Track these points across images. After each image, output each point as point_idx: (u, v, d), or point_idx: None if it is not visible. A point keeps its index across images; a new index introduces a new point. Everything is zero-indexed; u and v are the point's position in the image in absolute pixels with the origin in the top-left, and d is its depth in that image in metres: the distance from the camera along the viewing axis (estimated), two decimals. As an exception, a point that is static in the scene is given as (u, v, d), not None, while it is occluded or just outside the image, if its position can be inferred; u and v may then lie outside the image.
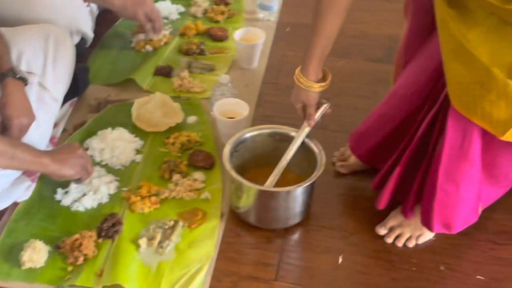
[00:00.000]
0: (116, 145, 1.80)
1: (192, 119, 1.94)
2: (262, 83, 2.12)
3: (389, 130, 1.59)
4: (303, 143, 1.61)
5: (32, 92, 1.70)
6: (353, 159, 1.76)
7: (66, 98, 1.90)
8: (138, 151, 1.82)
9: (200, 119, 1.95)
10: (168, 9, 2.43)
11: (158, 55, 2.21)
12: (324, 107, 1.61)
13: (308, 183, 1.51)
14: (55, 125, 1.86)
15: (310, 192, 1.59)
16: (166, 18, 2.41)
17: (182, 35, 2.32)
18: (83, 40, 2.15)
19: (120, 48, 2.26)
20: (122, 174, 1.75)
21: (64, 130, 1.90)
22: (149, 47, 2.22)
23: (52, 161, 1.53)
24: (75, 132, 1.88)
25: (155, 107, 1.94)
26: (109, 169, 1.75)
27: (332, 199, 1.71)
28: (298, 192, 1.54)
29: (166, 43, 2.27)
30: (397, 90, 1.57)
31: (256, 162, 1.69)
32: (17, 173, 1.64)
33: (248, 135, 1.67)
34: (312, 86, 1.55)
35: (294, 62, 2.12)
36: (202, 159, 1.78)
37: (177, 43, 2.28)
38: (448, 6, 1.22)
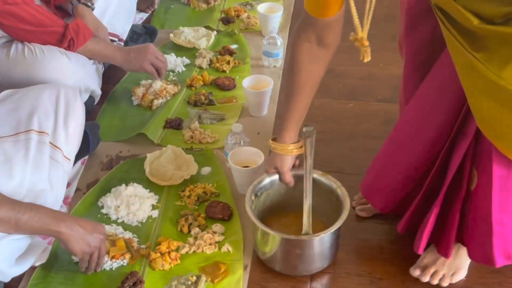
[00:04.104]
0: (131, 201, 1.77)
1: (206, 170, 1.92)
2: (273, 130, 2.10)
3: (402, 172, 1.56)
4: (321, 185, 1.61)
5: (45, 152, 1.67)
6: None
7: (78, 156, 1.88)
8: (154, 206, 1.79)
9: (214, 169, 1.92)
10: (173, 62, 2.43)
11: (167, 108, 2.19)
12: (310, 135, 1.52)
13: (335, 228, 1.47)
14: (68, 184, 1.83)
15: (337, 237, 1.55)
16: (172, 71, 2.41)
17: (190, 86, 2.32)
18: (91, 97, 2.15)
19: (128, 104, 2.25)
20: (139, 231, 1.71)
21: (77, 189, 1.87)
22: (156, 102, 2.21)
23: (61, 232, 1.46)
24: (88, 190, 1.85)
25: (167, 161, 1.92)
26: (126, 227, 1.72)
27: (357, 244, 1.67)
28: (326, 238, 1.50)
29: (174, 96, 2.26)
30: (403, 129, 1.55)
31: (278, 206, 1.67)
32: (31, 237, 1.59)
33: (267, 180, 1.65)
34: (288, 149, 1.57)
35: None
36: (220, 211, 1.75)
37: (185, 95, 2.27)
38: (472, 50, 1.20)
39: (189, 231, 1.70)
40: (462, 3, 1.17)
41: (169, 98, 2.25)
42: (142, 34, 2.60)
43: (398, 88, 2.26)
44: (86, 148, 1.92)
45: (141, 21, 2.79)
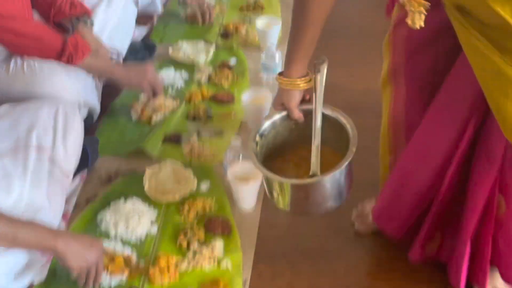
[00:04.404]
0: (130, 217, 1.76)
1: (205, 185, 1.92)
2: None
3: (412, 199, 1.55)
4: (332, 120, 1.47)
5: (43, 168, 1.67)
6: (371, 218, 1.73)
7: (77, 172, 1.88)
8: (153, 222, 1.79)
9: (213, 184, 1.92)
10: (172, 77, 2.44)
11: (166, 123, 2.19)
12: (321, 67, 1.40)
13: (341, 168, 1.36)
14: (67, 200, 1.82)
15: (347, 174, 1.44)
16: (171, 85, 2.41)
17: (189, 101, 2.32)
18: (90, 113, 2.15)
19: (127, 118, 2.25)
20: (138, 246, 1.71)
21: (76, 205, 1.87)
22: (155, 117, 2.21)
23: (58, 247, 1.46)
24: (87, 206, 1.85)
25: (167, 176, 1.92)
26: (125, 242, 1.71)
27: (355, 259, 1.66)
28: (333, 178, 1.39)
29: (173, 111, 2.26)
30: (411, 156, 1.54)
31: (289, 143, 1.54)
32: (30, 252, 1.59)
33: (276, 117, 1.52)
34: (295, 83, 1.42)
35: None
36: (219, 226, 1.75)
37: (184, 110, 2.27)
38: (500, 52, 1.12)
39: (188, 247, 1.69)
40: None
41: (168, 113, 2.25)
42: (141, 49, 2.60)
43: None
44: (85, 163, 1.93)
45: (140, 36, 2.80)
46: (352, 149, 1.38)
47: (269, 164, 1.45)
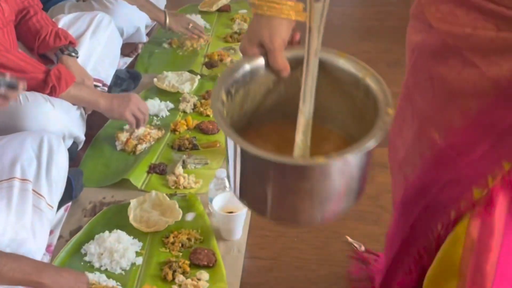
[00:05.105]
0: (114, 249, 1.75)
1: (190, 215, 1.91)
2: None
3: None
4: (337, 73, 0.99)
5: (27, 200, 1.66)
6: None
7: (61, 203, 1.87)
8: (137, 253, 1.78)
9: (198, 215, 1.91)
10: (157, 106, 2.44)
11: (151, 153, 2.19)
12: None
13: (361, 149, 0.84)
14: (51, 232, 1.81)
15: (364, 165, 0.91)
16: (156, 115, 2.42)
17: (173, 131, 2.32)
18: (74, 143, 2.14)
19: (111, 149, 2.25)
20: (123, 278, 1.69)
21: (60, 237, 1.85)
22: (140, 147, 2.21)
23: (43, 283, 1.44)
24: (71, 238, 1.83)
25: (151, 207, 1.91)
26: (109, 274, 1.70)
27: None
28: (340, 166, 0.88)
29: (158, 140, 2.27)
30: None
31: (265, 111, 1.03)
32: None
33: (246, 67, 0.99)
34: (282, 6, 0.95)
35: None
36: (204, 257, 1.74)
37: (169, 140, 2.28)
38: None
39: (173, 279, 1.68)
40: None
41: (153, 142, 2.25)
42: (126, 79, 2.62)
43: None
44: (69, 194, 1.92)
45: (125, 65, 2.81)
46: (388, 112, 0.88)
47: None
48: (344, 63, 0.97)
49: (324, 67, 0.95)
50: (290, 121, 0.95)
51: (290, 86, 0.98)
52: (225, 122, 0.90)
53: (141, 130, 2.24)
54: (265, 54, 0.98)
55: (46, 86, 1.95)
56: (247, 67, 0.98)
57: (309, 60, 0.91)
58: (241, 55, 1.02)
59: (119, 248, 1.75)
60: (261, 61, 0.98)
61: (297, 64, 0.95)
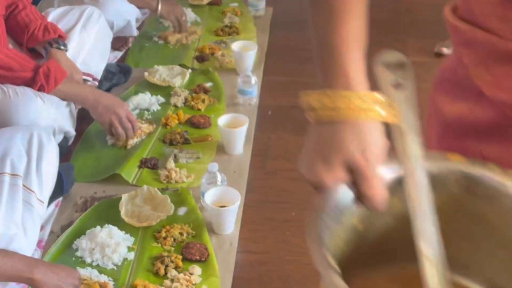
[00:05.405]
0: (106, 244, 1.74)
1: (182, 210, 1.90)
2: (250, 168, 2.10)
3: None
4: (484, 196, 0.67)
5: (18, 195, 1.65)
6: None
7: (52, 199, 1.85)
8: (129, 248, 1.77)
9: (190, 209, 1.91)
10: (148, 101, 2.43)
11: (142, 148, 2.18)
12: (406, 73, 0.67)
13: None
14: (42, 227, 1.80)
15: None
16: (147, 109, 2.40)
17: (165, 125, 2.31)
18: (65, 138, 2.12)
19: (102, 143, 2.23)
20: (115, 274, 1.69)
21: (51, 232, 1.84)
22: (131, 141, 2.19)
23: (34, 279, 1.43)
24: (62, 233, 1.82)
25: (143, 201, 1.90)
26: (101, 270, 1.69)
27: None
28: None
29: (149, 135, 2.25)
30: None
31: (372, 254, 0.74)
32: (5, 284, 1.56)
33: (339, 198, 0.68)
34: (371, 105, 0.66)
35: (279, 145, 2.12)
36: (196, 252, 1.73)
37: (160, 134, 2.26)
38: None
39: (166, 273, 1.67)
40: None
41: (144, 137, 2.24)
42: (117, 73, 2.59)
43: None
44: (60, 190, 1.90)
45: (115, 60, 2.79)
46: None
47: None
48: (473, 172, 0.64)
49: (437, 181, 0.64)
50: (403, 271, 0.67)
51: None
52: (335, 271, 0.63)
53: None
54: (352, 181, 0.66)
55: (34, 84, 1.93)
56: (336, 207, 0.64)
57: (410, 175, 0.63)
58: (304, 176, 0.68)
59: (111, 243, 1.74)
60: (347, 191, 0.66)
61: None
